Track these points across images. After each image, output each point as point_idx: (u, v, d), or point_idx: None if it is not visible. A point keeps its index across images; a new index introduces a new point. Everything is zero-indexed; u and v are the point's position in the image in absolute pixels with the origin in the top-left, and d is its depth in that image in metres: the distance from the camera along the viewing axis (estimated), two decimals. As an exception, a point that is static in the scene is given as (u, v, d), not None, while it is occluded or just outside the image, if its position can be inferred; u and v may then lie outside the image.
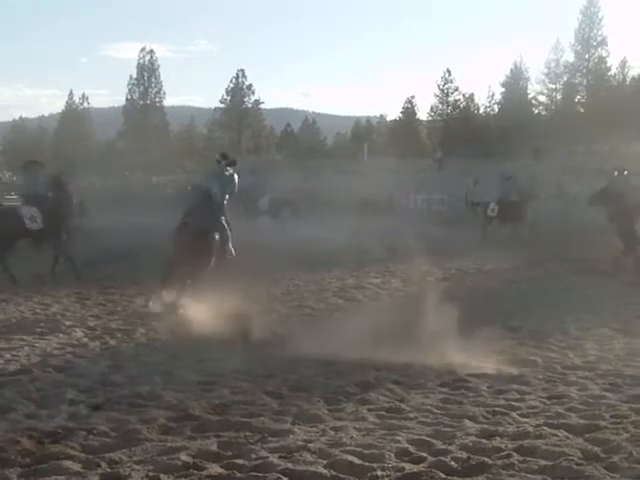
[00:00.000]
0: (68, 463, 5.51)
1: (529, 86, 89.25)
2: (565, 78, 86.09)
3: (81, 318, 11.61)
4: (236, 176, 12.99)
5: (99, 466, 5.51)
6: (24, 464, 5.55)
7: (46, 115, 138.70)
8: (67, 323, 11.19)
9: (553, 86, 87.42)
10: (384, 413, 6.84)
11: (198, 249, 12.04)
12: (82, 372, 8.35)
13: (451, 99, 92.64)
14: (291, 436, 6.17)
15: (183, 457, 5.63)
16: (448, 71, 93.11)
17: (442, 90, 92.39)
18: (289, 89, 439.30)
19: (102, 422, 6.49)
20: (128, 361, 8.97)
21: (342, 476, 5.31)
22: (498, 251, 20.02)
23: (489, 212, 26.22)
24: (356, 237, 18.99)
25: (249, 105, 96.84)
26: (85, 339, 10.21)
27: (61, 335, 10.34)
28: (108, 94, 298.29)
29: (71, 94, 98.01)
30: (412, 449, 5.85)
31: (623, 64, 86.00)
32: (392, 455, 5.72)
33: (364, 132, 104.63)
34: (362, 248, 17.88)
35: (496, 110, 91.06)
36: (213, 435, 6.19)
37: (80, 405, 7.03)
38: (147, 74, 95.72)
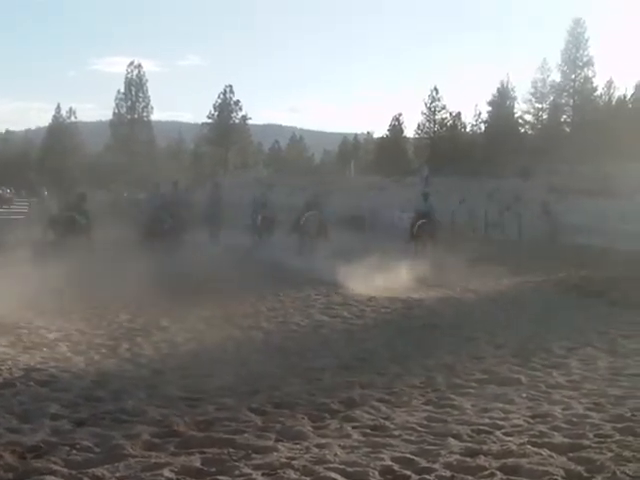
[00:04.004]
0: (51, 478, 5.49)
1: (516, 105, 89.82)
2: (551, 98, 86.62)
3: (65, 332, 11.57)
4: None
5: (82, 481, 5.49)
6: (6, 479, 5.52)
7: (33, 128, 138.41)
8: (51, 337, 11.16)
9: (539, 106, 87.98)
10: (368, 431, 6.83)
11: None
12: (66, 387, 8.31)
13: (438, 117, 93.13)
14: (275, 453, 6.15)
15: (166, 473, 5.62)
16: (435, 89, 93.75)
17: (429, 108, 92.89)
18: (277, 106, 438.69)
19: (85, 437, 6.46)
20: (112, 376, 8.93)
21: (326, 494, 5.31)
22: (483, 269, 20.05)
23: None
24: (340, 254, 18.97)
25: (236, 121, 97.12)
26: (69, 354, 10.16)
27: (45, 349, 10.30)
28: (95, 108, 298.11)
29: (58, 107, 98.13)
30: (396, 467, 5.85)
31: (609, 84, 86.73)
32: (376, 473, 5.71)
33: (351, 149, 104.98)
34: (346, 265, 17.85)
35: (483, 129, 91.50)
36: (197, 451, 6.17)
37: (63, 420, 7.00)
38: (135, 89, 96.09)
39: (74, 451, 6.13)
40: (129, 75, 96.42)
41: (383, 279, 17.53)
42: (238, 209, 33.75)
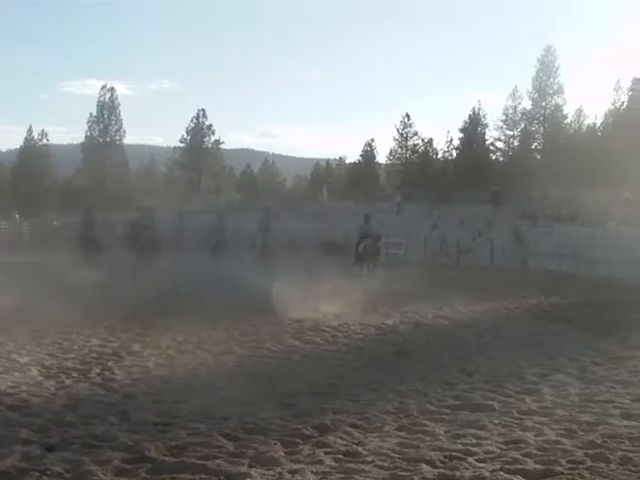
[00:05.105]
0: (21, 504, 5.44)
1: (487, 132, 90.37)
2: (522, 125, 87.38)
3: (37, 357, 11.50)
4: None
5: (52, 507, 5.44)
6: (-24, 505, 5.48)
7: (4, 151, 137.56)
8: (22, 361, 11.08)
9: (510, 133, 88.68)
10: (341, 456, 6.79)
11: None
12: (36, 411, 8.25)
13: (410, 143, 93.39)
14: (248, 479, 6.12)
15: (138, 499, 5.58)
16: (407, 115, 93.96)
17: (401, 134, 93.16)
18: (249, 130, 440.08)
19: (56, 463, 6.39)
20: (83, 401, 8.88)
21: (298, 520, 5.29)
22: (455, 295, 20.14)
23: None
24: (312, 280, 18.94)
25: (209, 145, 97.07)
26: (40, 378, 10.10)
27: (16, 374, 10.22)
28: (67, 131, 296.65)
29: (30, 130, 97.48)
30: (369, 493, 5.85)
31: (579, 112, 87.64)
32: (349, 499, 5.71)
33: (323, 174, 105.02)
34: (319, 291, 17.82)
35: (454, 155, 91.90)
36: (168, 477, 6.11)
37: (34, 445, 6.92)
38: (107, 112, 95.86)
39: (44, 477, 6.07)
40: (101, 98, 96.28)
41: (353, 305, 17.56)
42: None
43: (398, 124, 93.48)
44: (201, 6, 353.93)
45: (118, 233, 35.32)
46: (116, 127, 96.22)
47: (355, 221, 32.22)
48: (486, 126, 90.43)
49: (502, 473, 6.27)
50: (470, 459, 6.71)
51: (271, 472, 6.33)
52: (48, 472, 6.16)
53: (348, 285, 18.89)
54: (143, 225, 30.04)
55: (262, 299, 17.07)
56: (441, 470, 6.41)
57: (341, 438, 7.38)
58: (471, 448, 7.06)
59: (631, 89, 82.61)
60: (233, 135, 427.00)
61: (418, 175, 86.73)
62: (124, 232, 34.29)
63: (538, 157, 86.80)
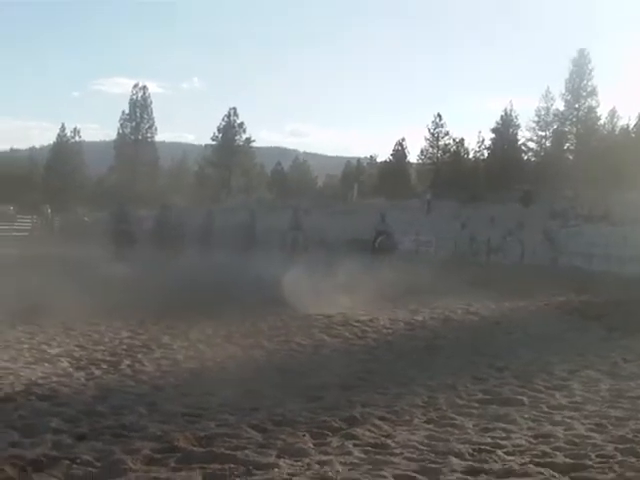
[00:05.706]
0: (52, 491, 5.47)
1: (519, 133, 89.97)
2: (555, 126, 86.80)
3: (67, 348, 11.57)
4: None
5: (82, 495, 5.47)
6: (7, 492, 5.52)
7: (37, 147, 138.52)
8: (52, 352, 11.16)
9: (543, 133, 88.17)
10: (370, 448, 6.79)
11: None
12: (66, 401, 8.30)
13: (441, 143, 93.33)
14: (276, 470, 6.12)
15: (167, 488, 5.60)
16: (439, 115, 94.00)
17: (432, 134, 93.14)
18: (279, 129, 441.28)
19: (86, 452, 6.43)
20: (113, 392, 8.92)
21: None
22: (485, 292, 20.07)
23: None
24: (344, 277, 18.91)
25: (240, 143, 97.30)
26: (70, 369, 10.16)
27: (46, 364, 10.30)
28: (100, 128, 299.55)
29: (63, 127, 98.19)
30: (398, 485, 5.84)
31: (612, 114, 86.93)
32: (378, 490, 5.70)
33: (354, 173, 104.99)
34: (350, 287, 17.80)
35: (486, 155, 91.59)
36: (198, 467, 6.13)
37: (64, 434, 6.96)
38: (139, 110, 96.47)
39: (75, 465, 6.11)
40: (134, 96, 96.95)
41: (383, 300, 17.55)
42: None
43: (429, 124, 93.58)
44: (232, 5, 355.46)
45: (146, 228, 35.66)
46: (148, 125, 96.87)
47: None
48: (518, 127, 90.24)
49: (531, 466, 6.25)
50: (499, 452, 6.68)
51: (299, 463, 6.34)
52: (78, 460, 6.19)
53: (375, 281, 18.83)
54: (165, 222, 32.79)
55: (288, 294, 17.02)
56: (470, 463, 6.40)
57: (370, 430, 7.38)
58: (500, 441, 7.04)
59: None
60: (264, 134, 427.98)
61: (449, 175, 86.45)
62: (152, 227, 35.06)
63: (570, 158, 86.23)
